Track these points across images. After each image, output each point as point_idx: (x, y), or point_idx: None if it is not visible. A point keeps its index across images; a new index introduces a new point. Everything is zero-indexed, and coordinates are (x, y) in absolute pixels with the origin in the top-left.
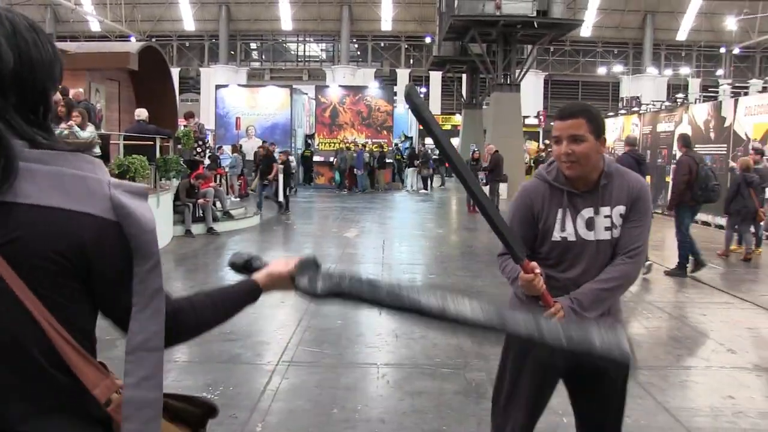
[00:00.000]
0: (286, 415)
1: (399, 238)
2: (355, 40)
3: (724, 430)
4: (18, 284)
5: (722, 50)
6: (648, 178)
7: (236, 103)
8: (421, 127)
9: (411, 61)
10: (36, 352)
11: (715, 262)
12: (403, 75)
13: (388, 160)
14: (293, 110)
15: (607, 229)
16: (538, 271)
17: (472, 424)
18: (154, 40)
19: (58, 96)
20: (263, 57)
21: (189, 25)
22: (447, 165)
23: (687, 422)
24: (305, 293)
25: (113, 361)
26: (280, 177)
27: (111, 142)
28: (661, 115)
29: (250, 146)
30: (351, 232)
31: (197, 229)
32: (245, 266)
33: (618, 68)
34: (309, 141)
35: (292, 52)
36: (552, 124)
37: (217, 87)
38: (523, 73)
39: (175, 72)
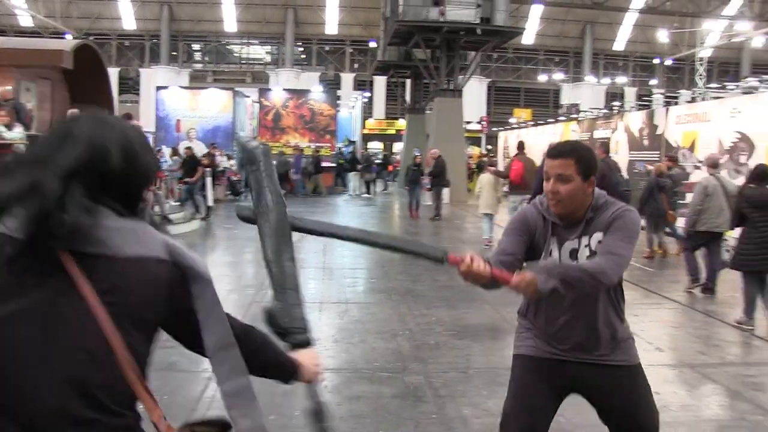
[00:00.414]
0: None
1: (340, 242)
2: (299, 44)
3: None
4: (104, 317)
5: (656, 61)
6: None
7: (177, 105)
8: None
9: (355, 65)
10: (106, 385)
11: (640, 263)
12: (347, 79)
13: (325, 164)
14: (236, 113)
15: (588, 257)
16: (465, 264)
17: (410, 427)
18: (91, 38)
19: None
20: (206, 59)
21: (129, 23)
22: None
23: None
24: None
25: None
26: (208, 180)
27: None
28: (599, 122)
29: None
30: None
31: None
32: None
33: (558, 76)
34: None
35: (236, 55)
36: (494, 128)
37: (158, 88)
38: (466, 79)
39: (113, 72)
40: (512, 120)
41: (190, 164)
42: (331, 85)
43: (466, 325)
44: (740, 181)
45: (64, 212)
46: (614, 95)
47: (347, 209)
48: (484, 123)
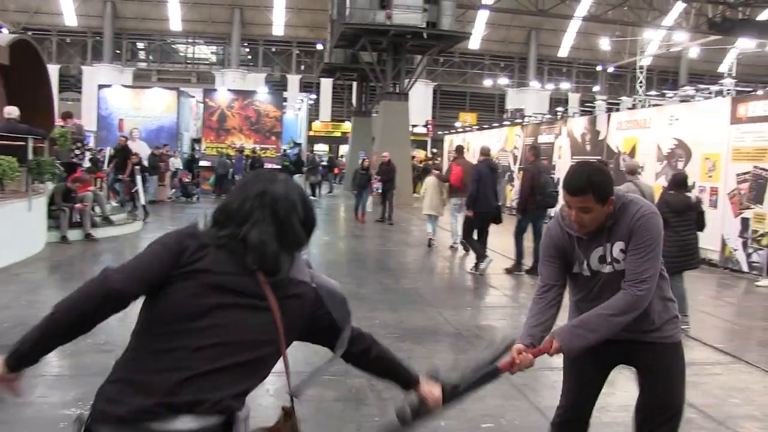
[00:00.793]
0: None
1: None
2: (246, 44)
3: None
4: (279, 321)
5: (598, 68)
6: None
7: (120, 104)
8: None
9: (302, 67)
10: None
11: None
12: (293, 81)
13: (269, 166)
14: (180, 113)
15: (610, 264)
16: (515, 357)
17: (351, 430)
18: (30, 33)
19: None
20: (150, 57)
21: (70, 20)
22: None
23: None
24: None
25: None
26: (139, 178)
27: None
28: (543, 127)
29: (134, 149)
30: None
31: (74, 235)
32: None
33: (504, 81)
34: (195, 145)
35: (181, 54)
36: (439, 132)
37: (100, 87)
38: (412, 82)
39: (54, 69)
40: (458, 124)
41: (121, 156)
42: (277, 87)
43: (409, 327)
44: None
45: (279, 267)
46: (558, 101)
47: None
48: (430, 126)
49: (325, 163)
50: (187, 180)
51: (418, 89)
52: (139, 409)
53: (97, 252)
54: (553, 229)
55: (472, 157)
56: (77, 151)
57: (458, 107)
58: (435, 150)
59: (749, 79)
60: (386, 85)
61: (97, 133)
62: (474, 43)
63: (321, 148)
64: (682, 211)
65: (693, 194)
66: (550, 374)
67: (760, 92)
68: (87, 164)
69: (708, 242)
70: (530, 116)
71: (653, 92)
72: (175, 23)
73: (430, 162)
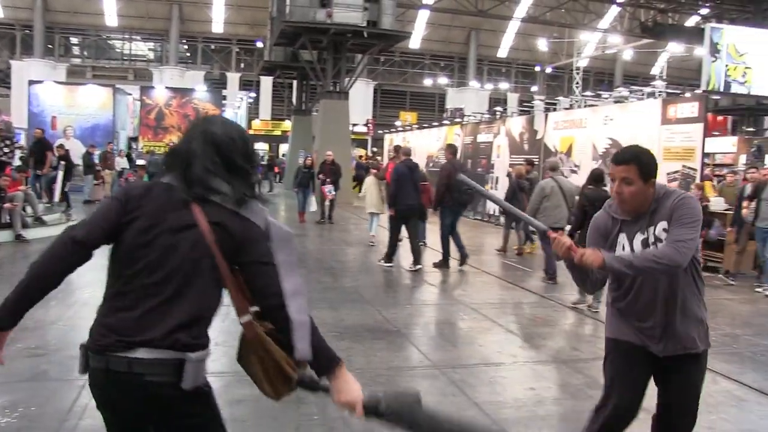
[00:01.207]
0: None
1: None
2: (184, 41)
3: (526, 419)
4: (212, 243)
5: (537, 69)
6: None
7: (53, 101)
8: None
9: (242, 65)
10: (196, 278)
11: (514, 259)
12: (233, 79)
13: None
14: (116, 111)
15: (653, 244)
16: (554, 236)
17: (291, 429)
18: None
19: None
20: (85, 53)
21: None
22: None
23: (494, 415)
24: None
25: None
26: (60, 174)
27: None
28: (482, 126)
29: (68, 147)
30: None
31: (4, 236)
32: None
33: (444, 80)
34: (132, 144)
35: (117, 50)
36: (380, 131)
37: (31, 83)
38: (352, 81)
39: None
40: (398, 123)
41: (39, 151)
42: (217, 85)
43: (348, 325)
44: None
45: (204, 185)
46: (497, 100)
47: None
48: (371, 125)
49: (265, 163)
50: (132, 179)
51: (358, 88)
52: (106, 345)
53: (28, 253)
54: (599, 216)
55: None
56: (6, 150)
57: (399, 106)
58: (375, 149)
59: (678, 82)
60: (326, 84)
61: (28, 131)
62: (414, 43)
63: (261, 147)
64: (601, 205)
65: (609, 188)
66: (488, 370)
67: (687, 95)
68: (17, 163)
69: None
70: (469, 116)
71: (589, 93)
72: (111, 18)
73: (371, 161)
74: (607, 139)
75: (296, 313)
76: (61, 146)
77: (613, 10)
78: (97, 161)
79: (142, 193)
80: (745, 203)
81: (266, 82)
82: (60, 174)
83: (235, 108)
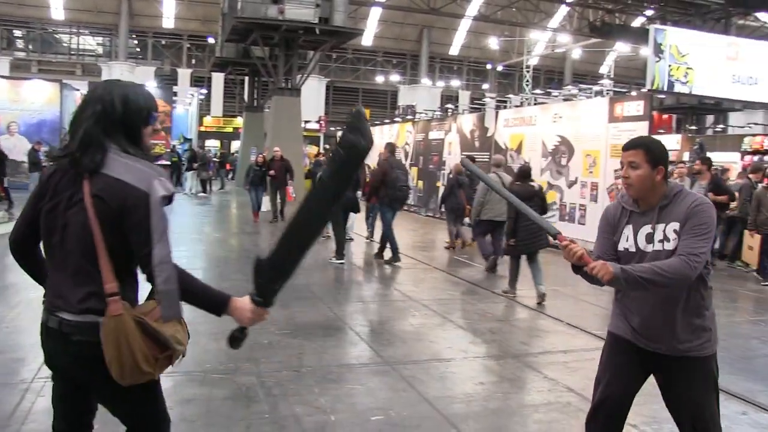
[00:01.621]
0: None
1: (174, 242)
2: (134, 36)
3: (476, 413)
4: (93, 217)
5: (488, 66)
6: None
7: None
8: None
9: (193, 61)
10: (86, 254)
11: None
12: (184, 75)
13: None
14: (63, 107)
15: (659, 241)
16: (565, 242)
17: (242, 428)
18: None
19: None
20: (30, 47)
21: None
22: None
23: (444, 410)
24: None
25: None
26: None
27: None
28: (433, 123)
29: (12, 144)
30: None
31: None
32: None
33: (396, 78)
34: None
35: (65, 44)
36: (332, 128)
37: None
38: (304, 78)
39: None
40: None
41: None
42: (167, 81)
43: (300, 323)
44: (561, 181)
45: (85, 156)
46: (449, 98)
47: (183, 209)
48: (323, 122)
49: (216, 159)
50: None
51: (310, 85)
52: (45, 307)
53: None
54: (610, 206)
55: None
56: None
57: (351, 103)
58: (327, 146)
59: (625, 81)
60: (278, 81)
61: None
62: (367, 40)
63: (212, 144)
64: (528, 199)
65: (535, 184)
66: (439, 365)
67: (633, 93)
68: None
69: (591, 235)
70: (421, 113)
71: (538, 91)
72: (57, 11)
73: (322, 158)
74: (556, 137)
75: (162, 284)
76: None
77: (563, 10)
78: (44, 158)
79: (51, 173)
80: None
81: (218, 79)
82: None
83: (186, 104)
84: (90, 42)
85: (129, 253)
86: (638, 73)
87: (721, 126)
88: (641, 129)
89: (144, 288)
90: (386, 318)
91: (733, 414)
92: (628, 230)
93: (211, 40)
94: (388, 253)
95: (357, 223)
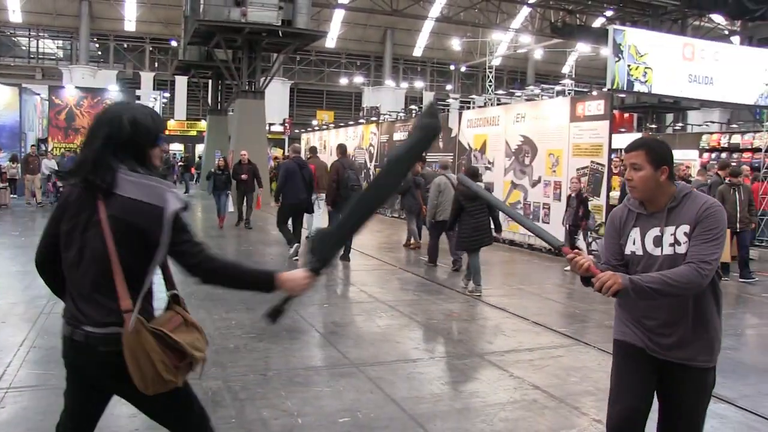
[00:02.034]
0: None
1: None
2: (95, 39)
3: (443, 413)
4: (109, 238)
5: (452, 67)
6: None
7: None
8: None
9: (156, 64)
10: (104, 273)
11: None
12: (147, 78)
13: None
14: (23, 111)
15: (671, 245)
16: (571, 255)
17: None
18: None
19: None
20: None
21: None
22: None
23: (411, 410)
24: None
25: None
26: None
27: None
28: (397, 124)
29: None
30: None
31: None
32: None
33: (360, 79)
34: (42, 146)
35: (23, 48)
36: (297, 130)
37: None
38: (268, 80)
39: None
40: (315, 122)
41: None
42: (130, 85)
43: (266, 327)
44: (525, 181)
45: (96, 177)
46: (413, 99)
47: None
48: (287, 125)
49: (181, 164)
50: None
51: (275, 87)
52: (67, 321)
53: None
54: (617, 210)
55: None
56: None
57: (315, 105)
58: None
59: (586, 81)
60: (242, 84)
61: None
62: (330, 42)
63: (176, 148)
64: (475, 198)
65: (482, 184)
66: (405, 366)
67: (594, 93)
68: None
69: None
70: (385, 114)
71: (501, 91)
72: (15, 14)
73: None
74: (519, 136)
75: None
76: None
77: (524, 11)
78: (4, 164)
79: (69, 193)
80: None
81: (181, 82)
82: None
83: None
84: (50, 45)
85: (145, 269)
86: (599, 73)
87: (680, 124)
88: (602, 128)
89: (159, 298)
90: (352, 319)
91: None
92: (635, 233)
93: (173, 43)
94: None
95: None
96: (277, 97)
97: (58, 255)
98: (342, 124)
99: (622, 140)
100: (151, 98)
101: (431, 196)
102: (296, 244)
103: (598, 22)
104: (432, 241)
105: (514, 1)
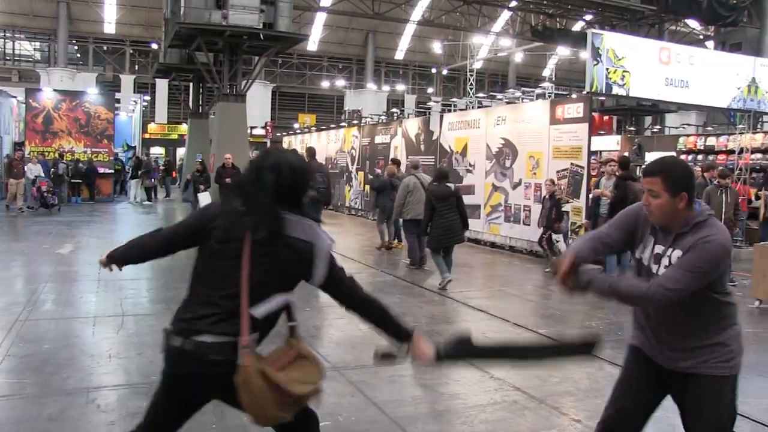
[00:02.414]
0: None
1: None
2: (74, 41)
3: (424, 416)
4: (246, 263)
5: (433, 70)
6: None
7: None
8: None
9: (136, 67)
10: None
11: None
12: (127, 81)
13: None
14: None
15: (665, 267)
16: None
17: None
18: None
19: None
20: None
21: None
22: None
23: (392, 413)
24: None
25: None
26: None
27: None
28: (379, 127)
29: None
30: (65, 248)
31: None
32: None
33: (342, 82)
34: (20, 149)
35: None
36: (279, 133)
37: None
38: (249, 83)
39: None
40: (297, 125)
41: None
42: (110, 87)
43: None
44: (506, 183)
45: (269, 225)
46: (395, 102)
47: (127, 218)
48: (269, 128)
49: (163, 167)
50: (45, 189)
51: (256, 91)
52: (178, 329)
53: None
54: (635, 206)
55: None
56: None
57: (297, 109)
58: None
59: (566, 84)
60: (223, 87)
61: None
62: (312, 45)
63: (157, 151)
64: (445, 198)
65: (451, 185)
66: (387, 369)
67: (574, 95)
68: None
69: (535, 236)
70: (367, 117)
71: (482, 94)
72: None
73: None
74: (500, 139)
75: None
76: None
77: (505, 15)
78: None
79: (218, 214)
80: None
81: (162, 85)
82: None
83: (130, 111)
84: (27, 47)
85: (277, 300)
86: (579, 76)
87: (658, 127)
88: (581, 130)
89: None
90: (333, 323)
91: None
92: (649, 242)
93: (154, 46)
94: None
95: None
96: (258, 100)
97: (172, 251)
98: (324, 128)
99: (602, 142)
100: (131, 101)
101: (399, 195)
102: None
103: (577, 26)
104: (410, 242)
105: (495, 4)
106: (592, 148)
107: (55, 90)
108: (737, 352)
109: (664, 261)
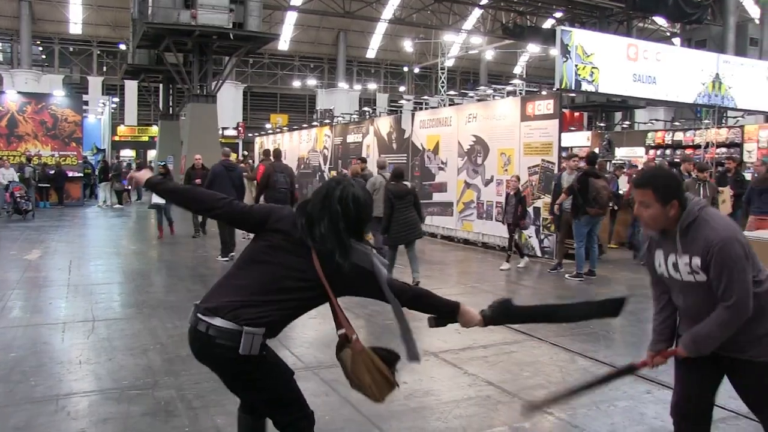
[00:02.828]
0: None
1: (89, 256)
2: (38, 42)
3: (398, 413)
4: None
5: (405, 69)
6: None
7: None
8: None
9: (104, 68)
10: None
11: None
12: (95, 83)
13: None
14: None
15: (689, 273)
16: (649, 361)
17: None
18: None
19: None
20: None
21: None
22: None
23: (366, 412)
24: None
25: None
26: None
27: None
28: (351, 126)
29: None
30: (33, 253)
31: None
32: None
33: (313, 82)
34: None
35: None
36: (251, 134)
37: None
38: (219, 84)
39: None
40: (269, 125)
41: None
42: (77, 89)
43: None
44: (477, 180)
45: (340, 257)
46: (368, 101)
47: (98, 222)
48: (241, 129)
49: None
50: (18, 194)
51: (227, 91)
52: (203, 308)
53: None
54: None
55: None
56: None
57: (269, 109)
58: (246, 152)
59: (537, 81)
60: (193, 87)
61: None
62: (283, 45)
63: (128, 154)
64: (402, 196)
65: (409, 183)
66: None
67: (544, 92)
68: None
69: (506, 232)
70: (339, 116)
71: (453, 92)
72: None
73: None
74: (471, 137)
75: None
76: None
77: (476, 12)
78: None
79: (280, 218)
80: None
81: (131, 86)
82: None
83: (98, 114)
84: None
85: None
86: (549, 73)
87: (628, 122)
88: (552, 127)
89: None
90: (306, 322)
91: (639, 393)
92: (660, 255)
93: (122, 47)
94: None
95: None
96: (229, 100)
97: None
98: (296, 127)
99: (572, 138)
100: (99, 103)
101: None
102: (231, 254)
103: (548, 24)
104: (376, 239)
105: (466, 2)
106: (563, 144)
107: (19, 92)
108: None
109: (684, 268)
